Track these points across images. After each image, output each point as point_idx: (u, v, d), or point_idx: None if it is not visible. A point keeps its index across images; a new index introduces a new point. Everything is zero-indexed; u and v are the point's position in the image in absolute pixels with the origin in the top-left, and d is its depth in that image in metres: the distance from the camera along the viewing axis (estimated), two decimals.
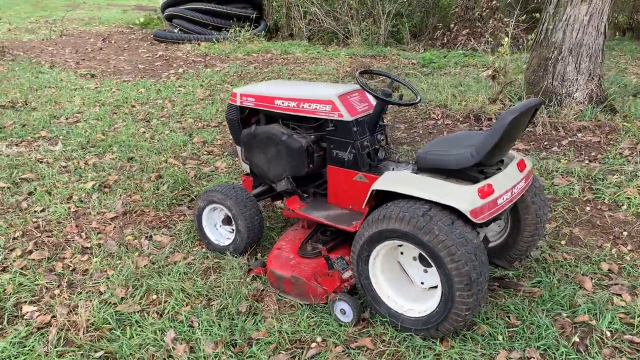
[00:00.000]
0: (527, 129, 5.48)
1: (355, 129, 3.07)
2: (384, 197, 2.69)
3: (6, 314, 2.79)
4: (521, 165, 2.85)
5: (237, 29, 11.44)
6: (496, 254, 3.22)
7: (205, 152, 5.16)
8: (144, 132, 5.67)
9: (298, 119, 3.32)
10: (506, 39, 6.04)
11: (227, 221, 3.35)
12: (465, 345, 2.58)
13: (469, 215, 2.43)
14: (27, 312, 2.78)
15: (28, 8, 21.13)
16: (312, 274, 2.86)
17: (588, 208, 3.92)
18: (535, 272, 3.19)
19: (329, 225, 3.09)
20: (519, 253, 3.17)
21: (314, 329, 2.70)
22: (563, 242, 3.54)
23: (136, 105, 6.72)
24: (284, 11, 12.75)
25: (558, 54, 5.66)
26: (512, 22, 6.76)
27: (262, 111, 3.43)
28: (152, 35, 12.73)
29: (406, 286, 2.76)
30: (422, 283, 2.75)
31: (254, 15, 12.25)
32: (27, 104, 6.64)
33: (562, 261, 3.31)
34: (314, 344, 2.60)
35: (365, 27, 11.18)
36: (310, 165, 3.26)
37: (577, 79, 5.66)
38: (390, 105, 3.23)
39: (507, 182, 2.68)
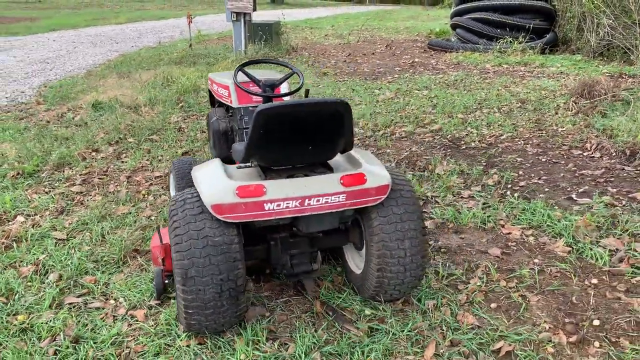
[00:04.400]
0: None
1: (240, 116, 3.05)
2: None
3: None
4: (349, 179, 2.40)
5: (509, 39, 11.03)
6: (358, 282, 2.74)
7: None
8: None
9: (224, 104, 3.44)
10: None
11: None
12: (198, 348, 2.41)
13: (210, 210, 2.29)
14: (16, 220, 3.76)
15: (375, 20, 23.93)
16: None
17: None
18: (398, 321, 2.57)
19: None
20: (372, 289, 2.61)
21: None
22: (493, 306, 2.68)
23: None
24: (575, 23, 11.53)
25: None
26: None
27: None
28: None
29: None
30: None
31: (531, 26, 11.45)
32: None
33: (453, 324, 2.55)
34: None
35: None
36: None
37: None
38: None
39: (296, 190, 2.34)
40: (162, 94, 7.42)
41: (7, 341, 2.46)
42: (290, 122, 2.25)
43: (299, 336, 2.46)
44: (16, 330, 2.54)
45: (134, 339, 2.50)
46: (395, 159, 4.86)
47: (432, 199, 3.99)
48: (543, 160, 4.74)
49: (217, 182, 2.38)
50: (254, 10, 10.73)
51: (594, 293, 2.74)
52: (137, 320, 2.64)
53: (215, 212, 2.28)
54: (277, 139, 2.28)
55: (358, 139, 5.60)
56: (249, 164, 2.77)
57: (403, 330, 2.50)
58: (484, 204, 3.84)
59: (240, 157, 2.45)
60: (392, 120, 6.23)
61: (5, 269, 3.06)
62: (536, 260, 3.07)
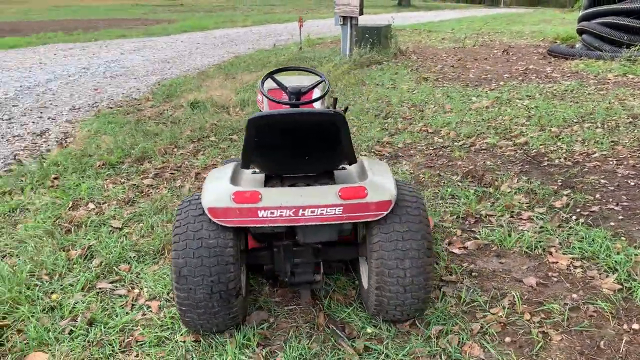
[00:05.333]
0: None
1: None
2: None
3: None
4: (347, 192, 2.35)
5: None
6: (365, 298, 2.66)
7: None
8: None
9: None
10: None
11: None
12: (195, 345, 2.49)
13: (206, 212, 2.36)
14: (87, 206, 4.14)
15: (502, 24, 22.92)
16: None
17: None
18: (397, 343, 2.46)
19: None
20: (373, 307, 2.53)
21: None
22: (507, 340, 2.48)
23: (403, 105, 7.24)
24: None
25: None
26: None
27: None
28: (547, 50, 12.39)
29: None
30: None
31: None
32: (332, 92, 8.14)
33: (454, 353, 2.39)
34: None
35: None
36: None
37: None
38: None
39: (291, 200, 2.34)
40: (256, 95, 7.71)
41: (34, 316, 2.71)
42: (281, 132, 2.25)
43: (289, 346, 2.44)
44: (46, 307, 2.80)
45: (140, 328, 2.63)
46: (462, 173, 4.62)
47: (485, 217, 3.74)
48: (631, 184, 4.24)
49: (218, 186, 2.44)
50: (361, 14, 10.75)
51: (628, 339, 2.41)
52: (150, 311, 2.78)
53: (211, 215, 2.33)
54: (269, 147, 2.29)
55: (433, 149, 5.40)
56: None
57: (398, 354, 2.38)
58: (541, 227, 3.52)
59: (241, 165, 2.49)
60: (477, 130, 5.93)
61: (58, 250, 3.38)
62: (574, 295, 2.76)
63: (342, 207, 2.33)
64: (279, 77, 3.50)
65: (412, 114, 6.82)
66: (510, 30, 18.84)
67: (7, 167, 5.07)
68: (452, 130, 5.99)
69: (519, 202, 3.93)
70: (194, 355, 2.43)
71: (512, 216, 3.76)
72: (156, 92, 8.53)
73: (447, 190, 4.20)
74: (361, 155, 5.19)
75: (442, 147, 5.48)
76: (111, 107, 7.57)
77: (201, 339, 2.51)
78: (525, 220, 3.69)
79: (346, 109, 3.43)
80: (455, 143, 5.56)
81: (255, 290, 2.93)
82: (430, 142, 5.65)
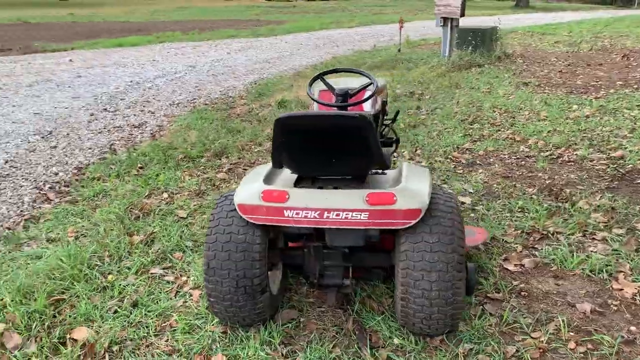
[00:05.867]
0: None
1: None
2: None
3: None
4: (375, 197, 2.30)
5: None
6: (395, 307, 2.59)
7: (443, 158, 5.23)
8: (440, 127, 6.07)
9: None
10: None
11: None
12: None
13: (236, 208, 2.43)
14: (161, 196, 4.40)
15: (630, 26, 21.15)
16: None
17: None
18: (422, 357, 2.38)
19: None
20: (400, 318, 2.45)
21: None
22: (536, 356, 2.30)
23: (494, 111, 6.92)
24: None
25: None
26: None
27: None
28: None
29: None
30: None
31: None
32: (421, 95, 7.97)
33: None
34: None
35: None
36: None
37: None
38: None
39: (317, 201, 2.34)
40: None
41: (88, 294, 2.93)
42: (305, 133, 2.24)
43: (311, 347, 2.43)
44: (99, 287, 3.01)
45: (177, 314, 2.75)
46: (540, 185, 4.33)
47: (553, 234, 3.47)
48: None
49: (251, 183, 2.49)
50: (462, 15, 10.41)
51: None
52: (191, 299, 2.90)
53: (240, 211, 2.39)
54: (295, 148, 2.29)
55: (515, 158, 5.11)
56: None
57: None
58: (613, 250, 3.21)
59: (274, 165, 2.50)
60: (570, 141, 5.53)
61: (124, 235, 3.61)
62: (633, 328, 2.48)
63: (367, 213, 2.28)
64: (340, 77, 3.49)
65: (502, 120, 6.49)
66: (638, 33, 17.27)
67: (102, 155, 5.51)
68: (542, 139, 5.62)
69: (595, 221, 3.61)
70: (218, 345, 2.49)
71: (584, 235, 3.46)
72: (251, 90, 8.84)
73: (517, 203, 3.96)
74: (436, 160, 5.04)
75: (526, 156, 5.17)
76: (206, 104, 7.96)
77: (228, 331, 2.57)
78: (599, 240, 3.38)
79: (397, 114, 3.34)
80: (542, 153, 5.22)
81: (293, 288, 2.94)
82: (515, 150, 5.35)
